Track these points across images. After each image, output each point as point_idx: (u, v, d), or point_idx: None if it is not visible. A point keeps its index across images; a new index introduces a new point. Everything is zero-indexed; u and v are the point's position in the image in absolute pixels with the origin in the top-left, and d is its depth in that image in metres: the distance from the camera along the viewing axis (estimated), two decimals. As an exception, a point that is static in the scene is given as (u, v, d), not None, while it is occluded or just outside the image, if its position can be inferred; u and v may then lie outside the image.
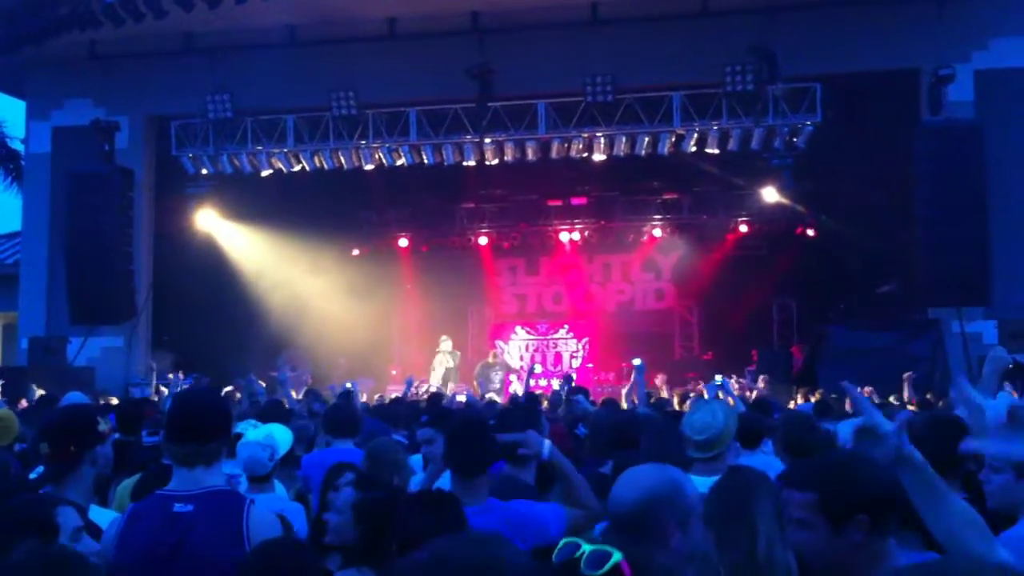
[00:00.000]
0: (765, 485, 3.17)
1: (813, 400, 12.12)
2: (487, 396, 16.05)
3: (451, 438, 4.26)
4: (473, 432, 4.24)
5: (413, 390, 13.40)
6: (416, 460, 5.88)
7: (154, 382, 13.78)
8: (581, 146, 17.66)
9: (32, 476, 3.75)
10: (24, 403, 11.30)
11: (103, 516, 3.65)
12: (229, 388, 13.14)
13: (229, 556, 3.07)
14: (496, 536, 1.84)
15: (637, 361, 10.22)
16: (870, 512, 2.55)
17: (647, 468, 2.89)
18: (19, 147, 24.18)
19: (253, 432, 5.26)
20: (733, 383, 12.90)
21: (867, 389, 11.71)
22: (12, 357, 20.59)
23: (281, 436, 5.29)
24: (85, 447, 3.58)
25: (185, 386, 12.07)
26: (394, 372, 21.77)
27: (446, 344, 20.17)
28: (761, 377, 14.88)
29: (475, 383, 19.00)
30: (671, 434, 4.70)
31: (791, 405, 12.33)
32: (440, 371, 19.64)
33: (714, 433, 4.80)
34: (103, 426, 3.66)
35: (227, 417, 3.64)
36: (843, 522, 2.56)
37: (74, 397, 7.82)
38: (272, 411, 7.46)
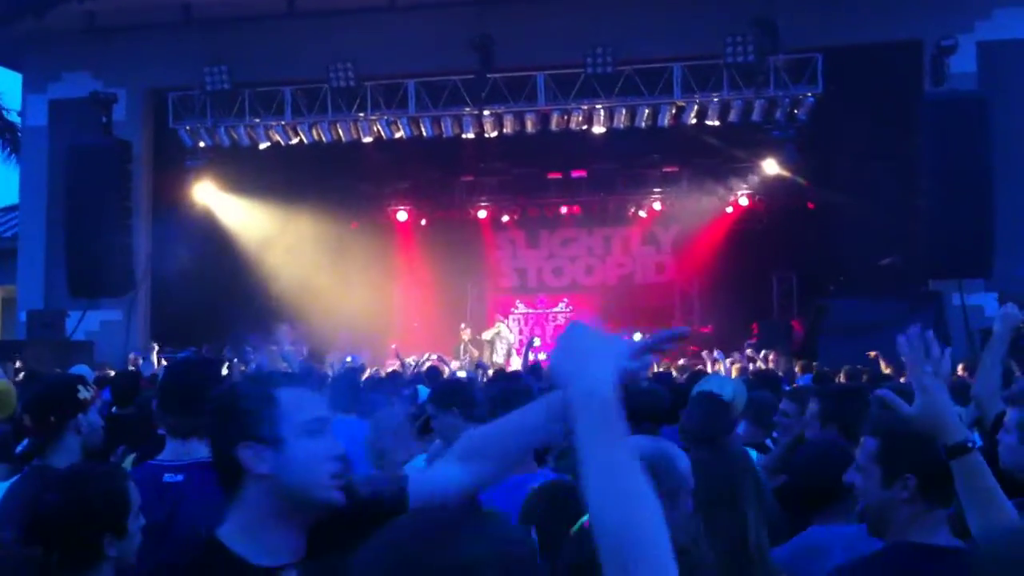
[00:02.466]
0: (748, 465, 3.13)
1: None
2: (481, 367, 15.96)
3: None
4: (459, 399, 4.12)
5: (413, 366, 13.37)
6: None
7: (153, 357, 13.74)
8: (581, 118, 17.57)
9: (19, 449, 3.73)
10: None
11: None
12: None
13: None
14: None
15: (638, 336, 10.22)
16: (919, 476, 2.62)
17: (639, 438, 2.85)
18: (16, 120, 24.07)
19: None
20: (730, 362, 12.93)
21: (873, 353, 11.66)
22: (11, 331, 20.59)
23: None
24: (66, 416, 3.55)
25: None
26: (393, 346, 21.72)
27: (502, 326, 20.12)
28: (771, 355, 14.79)
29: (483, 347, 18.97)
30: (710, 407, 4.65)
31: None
32: (501, 348, 19.49)
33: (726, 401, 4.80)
34: (84, 393, 3.62)
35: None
36: (893, 477, 2.65)
37: (80, 370, 7.78)
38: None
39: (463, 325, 20.18)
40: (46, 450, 3.55)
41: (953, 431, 2.51)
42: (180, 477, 3.26)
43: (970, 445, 2.49)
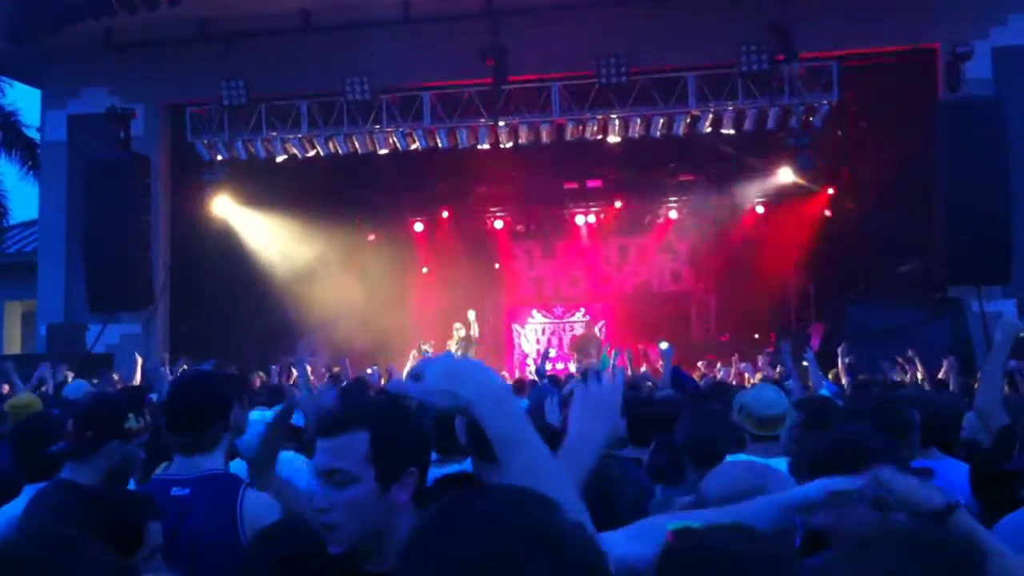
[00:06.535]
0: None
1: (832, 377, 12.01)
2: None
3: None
4: None
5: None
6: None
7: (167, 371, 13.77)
8: (596, 128, 17.59)
9: (53, 449, 3.70)
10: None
11: None
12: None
13: (223, 539, 3.08)
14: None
15: (664, 345, 10.11)
16: None
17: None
18: (35, 136, 24.27)
19: (259, 413, 5.30)
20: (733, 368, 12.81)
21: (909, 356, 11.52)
22: (32, 344, 20.72)
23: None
24: (102, 438, 3.56)
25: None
26: (412, 356, 21.76)
27: (460, 332, 20.05)
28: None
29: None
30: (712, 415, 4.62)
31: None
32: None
33: (782, 410, 4.72)
34: (131, 423, 3.59)
35: (224, 401, 3.56)
36: None
37: (78, 386, 7.79)
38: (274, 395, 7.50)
39: (457, 325, 20.18)
40: (77, 460, 3.56)
41: (927, 503, 2.41)
42: (187, 491, 3.31)
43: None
